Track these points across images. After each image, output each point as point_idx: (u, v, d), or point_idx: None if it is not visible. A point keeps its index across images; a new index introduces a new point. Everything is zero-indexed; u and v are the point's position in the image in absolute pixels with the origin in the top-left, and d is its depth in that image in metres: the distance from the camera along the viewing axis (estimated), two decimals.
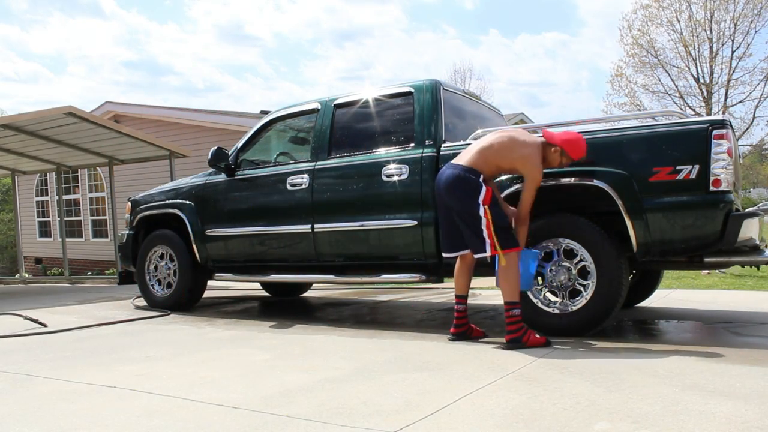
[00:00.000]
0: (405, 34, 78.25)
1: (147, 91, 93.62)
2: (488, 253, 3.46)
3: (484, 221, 3.44)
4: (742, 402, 2.32)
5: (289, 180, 4.79)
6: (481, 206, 3.45)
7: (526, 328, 3.46)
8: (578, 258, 3.65)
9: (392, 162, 4.31)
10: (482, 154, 3.58)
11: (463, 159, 3.62)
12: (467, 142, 4.20)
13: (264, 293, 6.98)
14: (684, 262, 3.70)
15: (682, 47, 25.56)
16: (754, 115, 25.75)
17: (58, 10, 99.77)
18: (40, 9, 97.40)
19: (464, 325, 3.76)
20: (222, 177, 5.26)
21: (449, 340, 3.73)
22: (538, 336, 3.45)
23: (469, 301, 3.82)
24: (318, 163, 4.71)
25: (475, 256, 3.56)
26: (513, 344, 3.41)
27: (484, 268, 3.76)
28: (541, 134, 3.61)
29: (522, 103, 74.78)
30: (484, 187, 3.49)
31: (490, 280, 3.95)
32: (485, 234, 3.44)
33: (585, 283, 3.63)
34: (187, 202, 5.45)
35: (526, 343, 3.39)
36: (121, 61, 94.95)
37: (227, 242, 5.20)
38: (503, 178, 3.84)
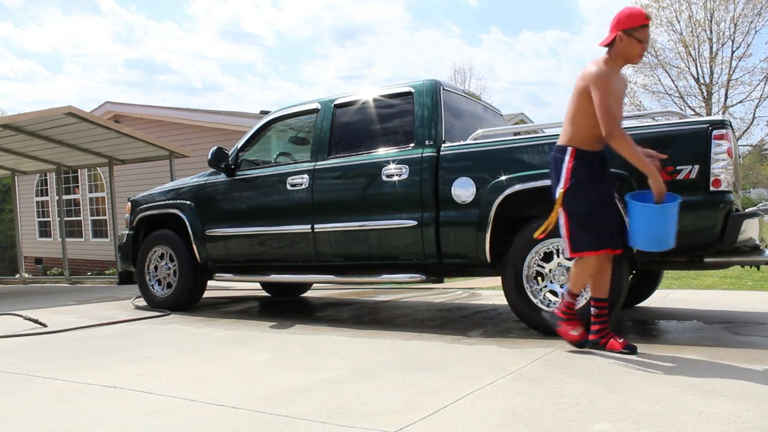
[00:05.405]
0: (407, 32, 78.25)
1: (144, 89, 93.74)
2: (568, 255, 3.20)
3: (562, 214, 3.10)
4: (742, 402, 2.32)
5: (289, 180, 4.80)
6: (557, 191, 3.08)
7: (605, 326, 3.25)
8: None
9: (392, 162, 4.31)
10: (566, 120, 3.18)
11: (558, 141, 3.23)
12: (467, 142, 4.21)
13: (264, 293, 6.97)
14: (684, 262, 3.70)
15: (682, 47, 25.60)
16: (754, 115, 25.83)
17: (56, 7, 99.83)
18: (35, 6, 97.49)
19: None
20: (222, 177, 5.26)
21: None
22: (618, 340, 3.19)
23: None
24: (318, 163, 4.71)
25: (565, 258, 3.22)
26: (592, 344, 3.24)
27: (484, 268, 3.73)
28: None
29: (523, 102, 74.85)
30: (566, 161, 3.06)
31: (490, 280, 3.95)
32: (563, 231, 3.12)
33: None
34: (187, 202, 5.45)
35: (605, 346, 3.20)
36: (118, 60, 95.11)
37: (227, 242, 5.20)
38: (506, 177, 3.79)
